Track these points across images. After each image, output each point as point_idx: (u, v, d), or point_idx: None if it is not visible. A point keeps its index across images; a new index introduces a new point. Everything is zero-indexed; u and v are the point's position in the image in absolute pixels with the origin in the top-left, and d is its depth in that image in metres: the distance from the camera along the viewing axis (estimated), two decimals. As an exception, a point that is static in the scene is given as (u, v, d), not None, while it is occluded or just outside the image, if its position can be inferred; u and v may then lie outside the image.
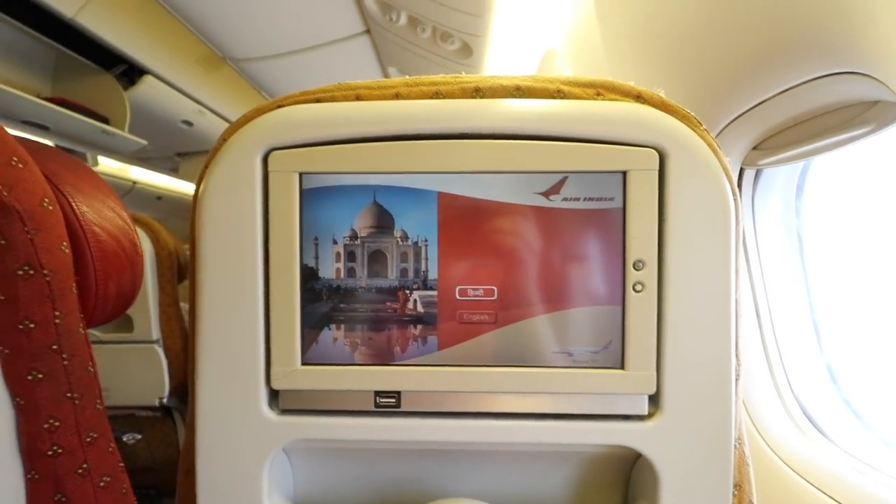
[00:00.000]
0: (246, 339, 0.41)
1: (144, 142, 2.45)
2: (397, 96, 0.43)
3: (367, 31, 1.63)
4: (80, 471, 0.42)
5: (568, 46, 1.09)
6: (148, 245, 1.46)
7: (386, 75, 1.90)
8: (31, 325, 0.38)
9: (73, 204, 0.44)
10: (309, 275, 0.41)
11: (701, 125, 0.42)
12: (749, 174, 0.77)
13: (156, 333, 1.48)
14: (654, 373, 0.40)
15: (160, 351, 1.48)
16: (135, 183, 3.96)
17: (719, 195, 0.39)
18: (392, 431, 0.42)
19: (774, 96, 0.61)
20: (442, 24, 1.29)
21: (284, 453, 0.46)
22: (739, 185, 0.79)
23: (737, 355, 0.41)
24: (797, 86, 0.57)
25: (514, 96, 0.42)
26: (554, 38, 1.14)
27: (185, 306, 1.59)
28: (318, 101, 0.43)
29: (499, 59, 1.37)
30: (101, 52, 2.11)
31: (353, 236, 0.41)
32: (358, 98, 0.43)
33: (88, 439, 0.43)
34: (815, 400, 0.73)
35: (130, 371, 1.49)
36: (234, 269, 0.41)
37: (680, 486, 0.41)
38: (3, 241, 0.37)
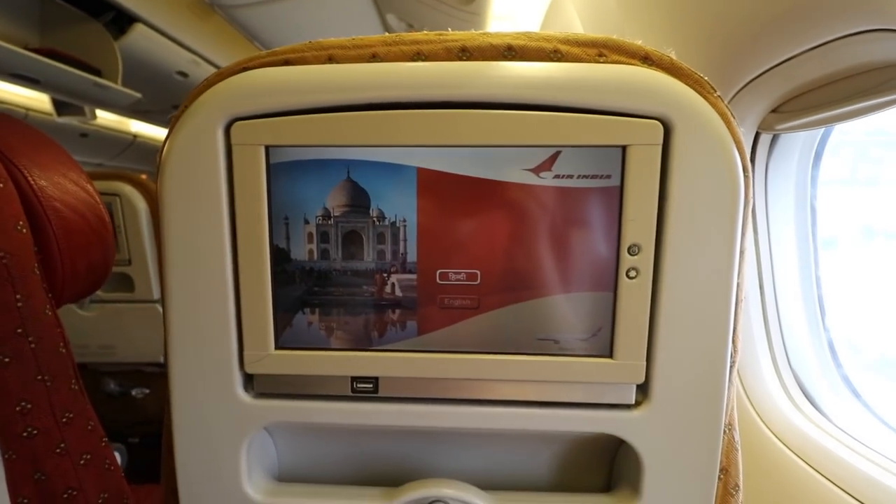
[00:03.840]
0: (217, 323, 0.39)
1: (138, 94, 2.37)
2: (374, 57, 0.38)
3: (364, -26, 1.51)
4: (57, 450, 0.42)
5: (577, -8, 1.00)
6: (142, 204, 1.44)
7: (385, 23, 1.79)
8: None
9: (30, 178, 0.41)
10: (280, 256, 0.39)
11: (714, 91, 0.38)
12: (765, 139, 0.71)
13: (156, 293, 1.49)
14: (644, 362, 0.38)
15: (161, 310, 1.50)
16: (135, 136, 3.90)
17: (729, 174, 0.36)
18: (370, 416, 0.40)
19: (801, 53, 0.55)
20: (442, -33, 1.18)
21: (266, 431, 0.46)
22: (754, 151, 0.73)
23: (734, 342, 0.39)
24: (827, 43, 0.51)
25: (504, 58, 0.37)
26: (563, -18, 1.05)
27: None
28: (286, 62, 0.39)
29: (503, 6, 1.27)
30: (86, -3, 2.01)
31: (326, 215, 0.38)
32: (331, 59, 0.38)
33: (65, 419, 0.42)
34: (813, 376, 0.71)
35: (134, 330, 1.51)
36: (200, 251, 0.38)
37: (664, 473, 0.40)
38: None
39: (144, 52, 2.35)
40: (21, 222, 0.39)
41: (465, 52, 0.38)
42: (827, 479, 0.64)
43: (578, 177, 0.36)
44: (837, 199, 0.76)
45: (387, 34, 0.40)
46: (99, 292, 1.50)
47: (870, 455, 0.63)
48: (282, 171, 0.38)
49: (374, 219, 0.38)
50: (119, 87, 2.27)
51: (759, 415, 0.70)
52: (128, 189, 1.41)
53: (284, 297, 0.39)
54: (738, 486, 0.43)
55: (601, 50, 0.37)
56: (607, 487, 0.47)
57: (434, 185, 0.37)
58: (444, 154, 0.37)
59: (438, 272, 0.38)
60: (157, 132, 4.03)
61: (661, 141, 0.35)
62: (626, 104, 0.35)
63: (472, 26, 1.44)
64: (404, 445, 0.47)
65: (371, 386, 0.40)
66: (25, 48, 1.97)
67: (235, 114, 0.37)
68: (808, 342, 0.72)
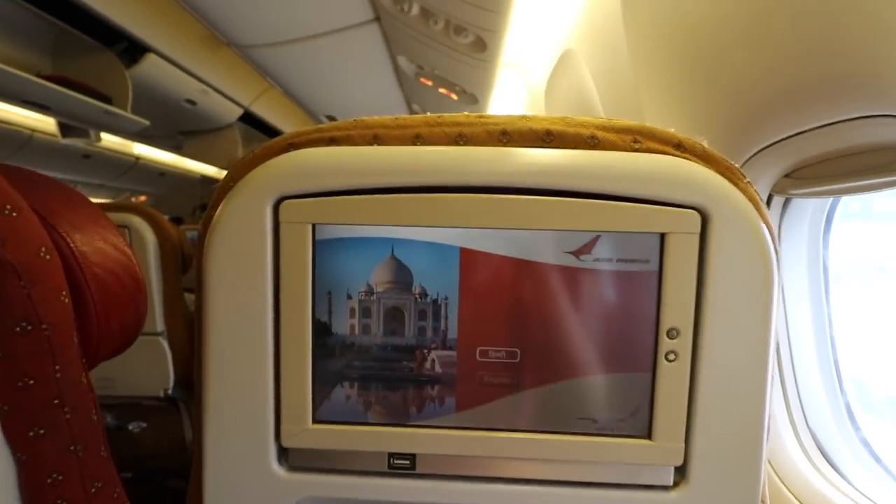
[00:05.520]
0: (255, 396, 0.39)
1: (147, 122, 2.40)
2: (418, 137, 0.40)
3: (377, 19, 1.56)
4: None
5: (588, 48, 1.04)
6: (151, 236, 1.44)
7: (395, 65, 1.84)
8: (31, 382, 0.37)
9: (72, 245, 0.42)
10: (321, 330, 0.39)
11: (744, 178, 0.39)
12: (777, 200, 0.73)
13: (160, 326, 1.47)
14: (683, 444, 0.38)
15: (164, 343, 1.48)
16: (138, 159, 3.93)
17: (763, 259, 0.37)
18: (406, 493, 0.40)
19: (813, 129, 0.57)
20: (456, 17, 1.23)
21: None
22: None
23: (767, 419, 0.39)
24: (839, 122, 0.53)
25: (543, 142, 0.39)
26: (573, 38, 1.09)
27: (189, 297, 1.57)
28: (332, 140, 0.40)
29: (513, 57, 1.31)
30: (102, 28, 2.05)
31: (369, 291, 0.39)
32: (375, 138, 0.40)
33: (93, 489, 0.41)
34: (833, 439, 0.71)
35: (135, 362, 1.49)
36: (242, 322, 0.39)
37: None
38: None
39: (155, 81, 2.39)
40: (64, 292, 0.39)
41: (506, 136, 0.39)
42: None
43: (617, 260, 0.37)
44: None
45: (429, 115, 0.42)
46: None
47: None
48: (327, 248, 0.38)
49: (417, 296, 0.39)
50: (128, 114, 2.30)
51: (780, 478, 0.70)
52: (137, 221, 1.41)
53: (324, 371, 0.39)
54: None
55: (636, 136, 0.39)
56: None
57: (476, 265, 0.38)
58: (486, 235, 0.38)
59: (478, 349, 0.39)
60: (159, 155, 4.06)
61: (699, 229, 0.36)
62: (664, 194, 0.36)
63: (481, 72, 1.48)
64: None
65: (408, 462, 0.40)
66: (38, 75, 2.00)
67: (284, 192, 0.38)
68: (826, 405, 0.72)
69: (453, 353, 0.39)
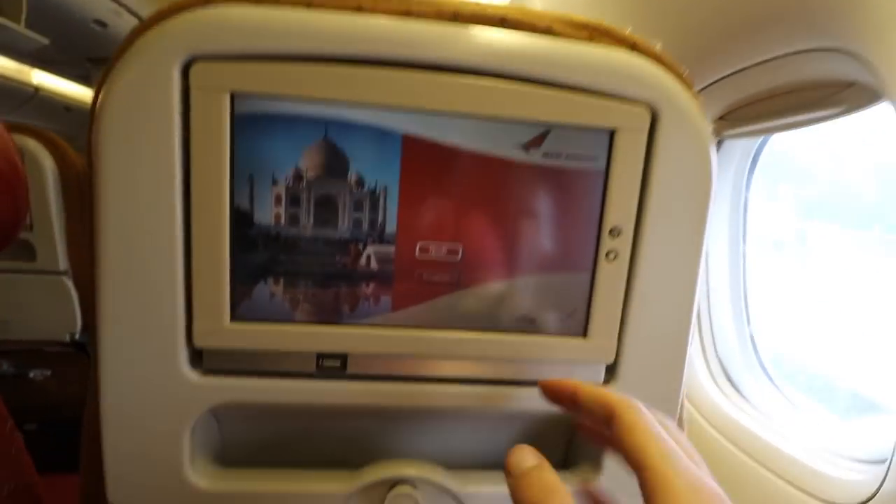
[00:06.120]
0: (162, 292, 0.35)
1: (45, 40, 2.08)
2: (359, 9, 0.35)
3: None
4: None
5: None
6: (50, 163, 1.26)
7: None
8: None
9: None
10: (241, 219, 0.35)
11: (693, 87, 0.39)
12: (710, 143, 0.76)
13: (63, 264, 1.32)
14: (616, 342, 0.39)
15: (69, 283, 1.33)
16: (37, 90, 3.41)
17: (704, 164, 0.37)
18: (335, 396, 0.38)
19: (752, 66, 0.59)
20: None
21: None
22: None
23: (694, 321, 0.41)
24: (777, 58, 0.55)
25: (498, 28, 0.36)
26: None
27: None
28: (257, 2, 0.35)
29: None
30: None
31: (298, 177, 0.35)
32: (309, 5, 0.35)
33: None
34: (738, 364, 0.78)
35: (35, 304, 1.34)
36: (144, 209, 0.34)
37: None
38: None
39: (55, -7, 2.06)
40: None
41: (458, 18, 0.36)
42: (750, 456, 0.70)
43: (566, 157, 0.36)
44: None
45: None
46: (-9, 260, 1.30)
47: (785, 433, 0.70)
48: (248, 124, 0.34)
49: (352, 184, 0.35)
50: (20, 28, 1.97)
51: (688, 398, 0.76)
52: (32, 144, 1.23)
53: (244, 265, 0.35)
54: None
55: (592, 33, 0.37)
56: (563, 464, 0.48)
57: (420, 154, 0.35)
58: (431, 121, 0.35)
59: (418, 245, 0.36)
60: (64, 86, 3.56)
61: (647, 127, 0.36)
62: (617, 87, 0.35)
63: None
64: (361, 424, 0.45)
65: (339, 363, 0.37)
66: None
67: (196, 52, 0.32)
68: (734, 333, 0.78)
69: (391, 248, 0.36)
